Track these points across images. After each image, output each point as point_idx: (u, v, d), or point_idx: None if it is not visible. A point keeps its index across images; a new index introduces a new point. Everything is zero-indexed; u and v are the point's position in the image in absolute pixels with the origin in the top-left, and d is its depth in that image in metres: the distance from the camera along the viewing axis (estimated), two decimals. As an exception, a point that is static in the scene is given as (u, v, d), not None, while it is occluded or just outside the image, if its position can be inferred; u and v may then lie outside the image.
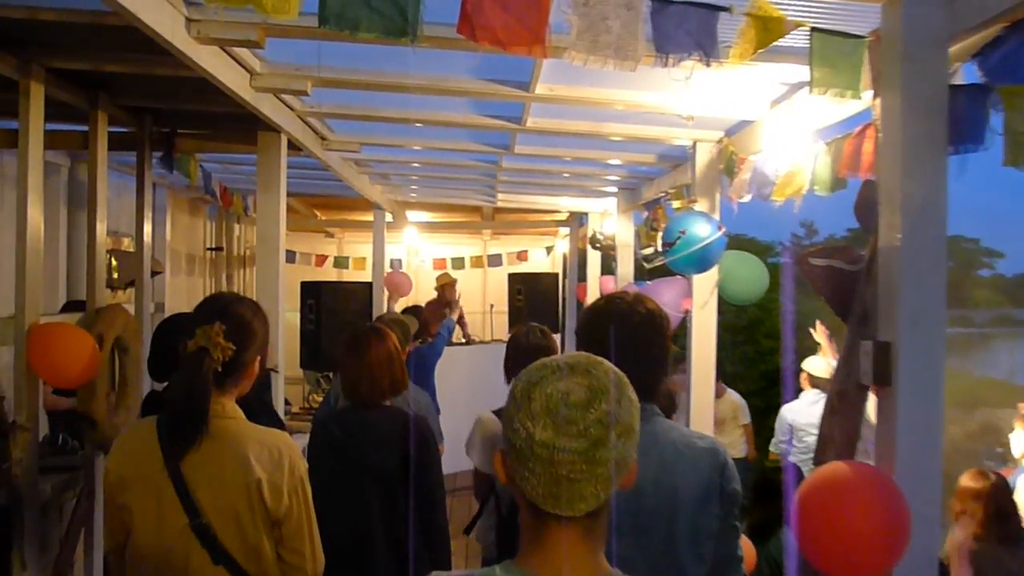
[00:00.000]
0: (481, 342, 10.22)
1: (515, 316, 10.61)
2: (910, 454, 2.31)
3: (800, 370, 6.65)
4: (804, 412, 6.54)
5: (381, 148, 6.02)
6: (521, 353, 3.67)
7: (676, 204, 5.34)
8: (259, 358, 2.35)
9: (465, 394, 8.33)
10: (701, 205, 4.74)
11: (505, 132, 5.11)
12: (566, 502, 1.28)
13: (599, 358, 1.36)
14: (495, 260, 12.52)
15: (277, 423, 3.26)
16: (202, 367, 2.18)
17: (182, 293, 8.71)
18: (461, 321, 9.69)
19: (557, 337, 4.96)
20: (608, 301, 2.27)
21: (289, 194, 5.32)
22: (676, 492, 2.06)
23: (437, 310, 8.67)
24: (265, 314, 2.37)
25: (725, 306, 4.91)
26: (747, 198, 4.29)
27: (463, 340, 10.01)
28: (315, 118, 5.01)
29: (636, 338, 2.15)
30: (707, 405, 4.79)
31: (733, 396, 8.50)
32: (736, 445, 8.33)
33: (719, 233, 4.26)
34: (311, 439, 3.42)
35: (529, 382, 1.32)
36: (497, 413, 3.72)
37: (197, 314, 2.27)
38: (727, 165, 4.57)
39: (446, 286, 9.28)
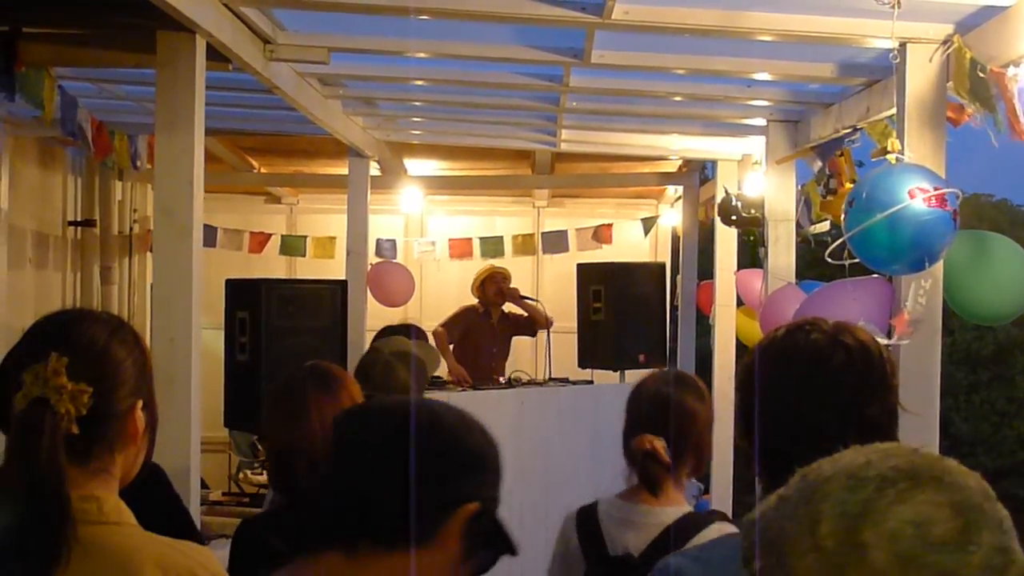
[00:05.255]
0: (530, 382, 7.15)
1: (590, 336, 7.62)
2: None
3: None
4: None
5: (364, 57, 5.12)
6: (641, 414, 2.84)
7: (878, 150, 4.02)
8: (140, 405, 1.74)
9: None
10: (914, 151, 3.54)
11: (575, 28, 4.16)
12: None
13: (928, 454, 0.99)
14: (555, 242, 8.80)
15: (189, 528, 2.88)
16: (43, 432, 1.63)
17: (26, 298, 6.66)
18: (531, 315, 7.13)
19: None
20: (791, 335, 1.73)
21: (208, 133, 4.30)
22: None
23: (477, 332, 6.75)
24: (136, 333, 1.82)
25: (956, 324, 3.90)
26: None
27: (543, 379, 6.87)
28: (253, 6, 4.11)
29: (848, 399, 1.62)
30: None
31: None
32: None
33: (922, 199, 3.12)
34: (233, 558, 2.71)
35: (845, 515, 0.94)
36: (585, 514, 2.90)
37: (23, 345, 1.74)
38: (968, 82, 3.46)
39: (487, 280, 7.15)
